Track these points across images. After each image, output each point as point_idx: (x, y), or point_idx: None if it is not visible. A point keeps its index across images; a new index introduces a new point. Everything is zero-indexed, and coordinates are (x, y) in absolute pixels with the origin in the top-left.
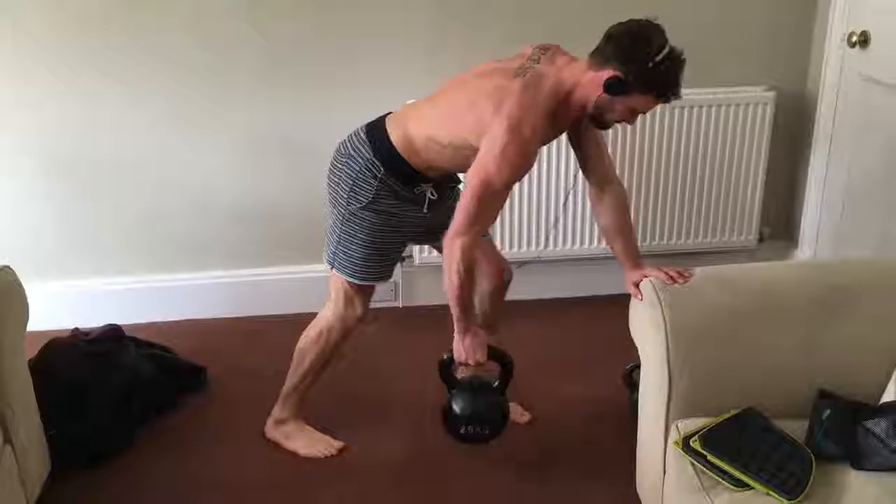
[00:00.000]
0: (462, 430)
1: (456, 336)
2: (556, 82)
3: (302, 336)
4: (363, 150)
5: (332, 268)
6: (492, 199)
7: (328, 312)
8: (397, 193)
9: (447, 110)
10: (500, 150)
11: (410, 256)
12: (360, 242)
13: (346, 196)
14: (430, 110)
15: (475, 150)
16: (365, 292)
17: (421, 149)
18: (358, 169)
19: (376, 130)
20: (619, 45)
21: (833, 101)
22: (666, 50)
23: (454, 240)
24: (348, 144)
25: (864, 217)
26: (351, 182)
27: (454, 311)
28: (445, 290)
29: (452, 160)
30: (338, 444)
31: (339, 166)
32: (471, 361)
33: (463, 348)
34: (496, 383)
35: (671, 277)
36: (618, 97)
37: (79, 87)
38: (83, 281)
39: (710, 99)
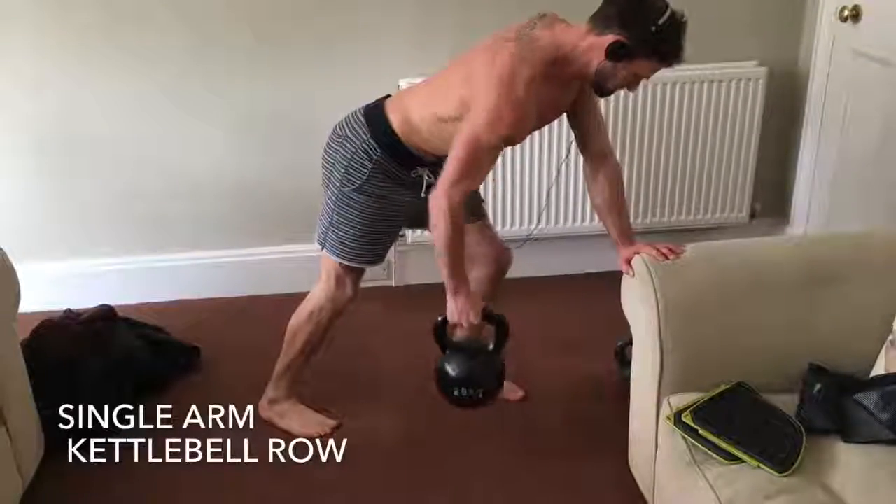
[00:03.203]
0: (455, 393)
1: (448, 297)
2: (551, 43)
3: (293, 316)
4: (360, 132)
5: (322, 248)
6: (483, 155)
7: (319, 292)
8: (393, 177)
9: (447, 83)
10: (492, 105)
11: (403, 235)
12: (352, 224)
13: (340, 177)
14: (430, 88)
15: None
16: (356, 273)
17: (422, 128)
18: (353, 150)
19: (375, 113)
20: (620, 9)
21: (824, 76)
22: (668, 13)
23: (441, 199)
24: (345, 126)
25: (855, 192)
26: (346, 164)
27: (443, 269)
28: (435, 252)
29: (453, 136)
30: (332, 422)
31: (335, 147)
32: (464, 322)
33: (455, 309)
34: (491, 346)
35: (663, 254)
36: (621, 63)
37: (64, 66)
38: (75, 262)
39: (702, 75)
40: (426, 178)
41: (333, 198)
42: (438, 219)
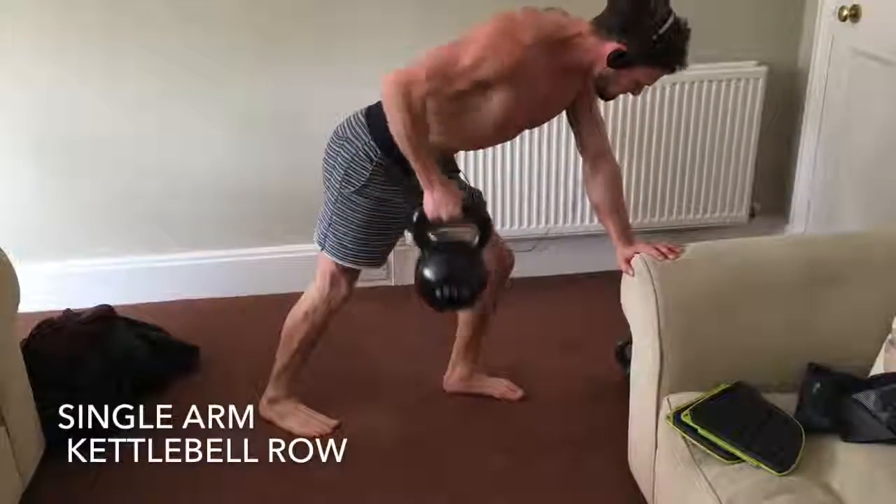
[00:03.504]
0: (437, 293)
1: (424, 190)
2: (555, 23)
3: (289, 316)
4: (361, 134)
5: (322, 248)
6: (455, 65)
7: (314, 292)
8: (394, 180)
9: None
10: (473, 32)
11: (403, 236)
12: (351, 226)
13: (340, 179)
14: None
15: (477, 91)
16: (351, 273)
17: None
18: (354, 152)
19: (376, 114)
20: (621, 16)
21: (824, 76)
22: (670, 20)
23: (394, 76)
24: (346, 128)
25: (854, 192)
26: (346, 165)
27: (410, 158)
28: (397, 142)
29: (461, 126)
30: (332, 422)
31: (336, 148)
32: (443, 215)
33: (432, 201)
34: (475, 242)
35: (662, 253)
36: (622, 70)
37: (65, 66)
38: (75, 262)
39: (701, 74)
40: None
41: (333, 199)
42: (391, 104)
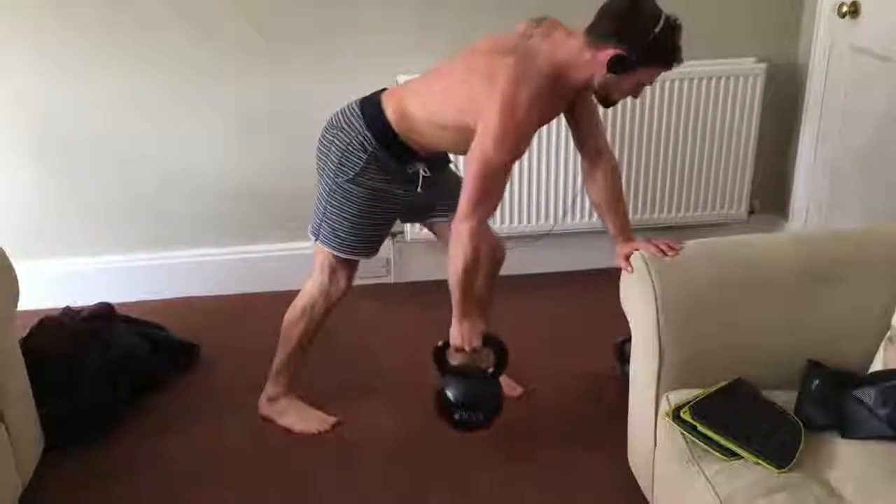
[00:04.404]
0: (456, 416)
1: (454, 321)
2: (550, 59)
3: (287, 312)
4: (355, 123)
5: (316, 239)
6: (493, 180)
7: (311, 287)
8: (387, 170)
9: (444, 91)
10: (496, 131)
11: (402, 233)
12: (345, 215)
13: (334, 168)
14: (427, 89)
15: (474, 132)
16: (349, 265)
17: (420, 129)
18: (348, 141)
19: (371, 105)
20: (615, 21)
21: (823, 73)
22: (662, 19)
23: (460, 225)
24: (340, 117)
25: (854, 189)
26: (340, 154)
27: (455, 294)
28: (449, 275)
29: (454, 142)
30: (331, 419)
31: (330, 137)
32: (467, 347)
33: (460, 333)
34: (491, 370)
35: (661, 251)
36: (624, 74)
37: (65, 64)
38: (74, 260)
39: (700, 71)
40: (422, 172)
41: (327, 188)
42: (457, 247)
